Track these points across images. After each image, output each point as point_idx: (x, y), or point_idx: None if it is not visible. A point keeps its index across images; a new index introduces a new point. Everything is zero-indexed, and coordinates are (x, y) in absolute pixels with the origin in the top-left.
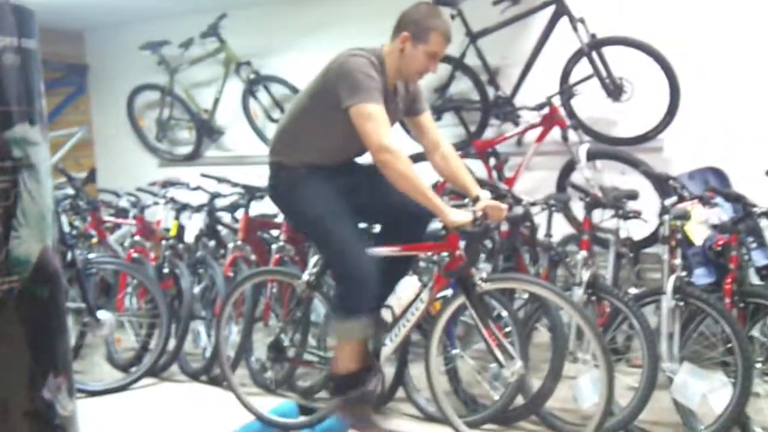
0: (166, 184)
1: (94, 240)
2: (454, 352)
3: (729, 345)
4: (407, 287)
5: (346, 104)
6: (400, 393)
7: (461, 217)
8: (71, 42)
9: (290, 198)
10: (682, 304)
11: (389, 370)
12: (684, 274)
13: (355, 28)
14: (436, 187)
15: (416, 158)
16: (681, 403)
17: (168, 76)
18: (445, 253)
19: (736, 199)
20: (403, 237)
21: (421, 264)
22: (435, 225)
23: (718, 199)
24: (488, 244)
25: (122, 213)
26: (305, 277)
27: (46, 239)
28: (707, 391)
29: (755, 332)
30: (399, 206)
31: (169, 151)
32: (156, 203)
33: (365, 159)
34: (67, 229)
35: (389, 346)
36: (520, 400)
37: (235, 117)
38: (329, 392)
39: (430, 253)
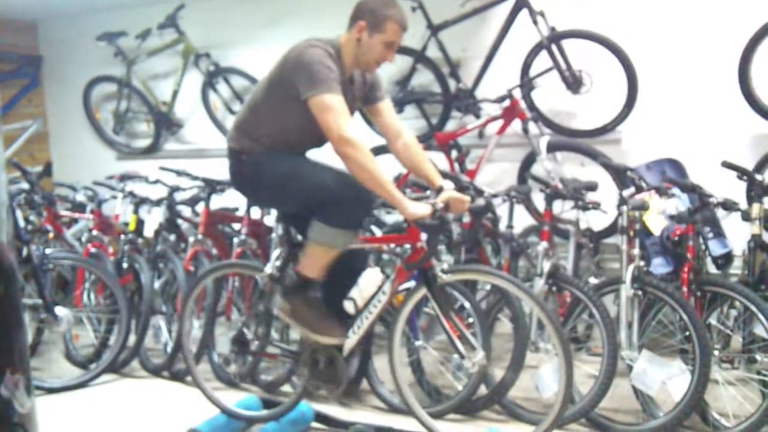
0: (124, 177)
1: (51, 235)
2: (417, 343)
3: (687, 333)
4: (370, 279)
5: (305, 95)
6: (364, 385)
7: (420, 209)
8: (25, 33)
9: (256, 175)
10: (640, 293)
11: (353, 363)
12: (642, 263)
13: (315, 20)
14: (398, 180)
15: (377, 151)
16: (641, 390)
17: (125, 68)
18: (407, 245)
19: (692, 190)
20: None
21: (384, 257)
22: (396, 218)
23: (675, 190)
24: (448, 236)
25: (79, 207)
26: (268, 269)
27: (0, 235)
28: (666, 378)
29: (712, 320)
30: None
31: (126, 144)
32: (114, 197)
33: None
34: (22, 224)
35: (352, 338)
36: (483, 389)
37: (195, 109)
38: (282, 296)
39: (392, 245)
